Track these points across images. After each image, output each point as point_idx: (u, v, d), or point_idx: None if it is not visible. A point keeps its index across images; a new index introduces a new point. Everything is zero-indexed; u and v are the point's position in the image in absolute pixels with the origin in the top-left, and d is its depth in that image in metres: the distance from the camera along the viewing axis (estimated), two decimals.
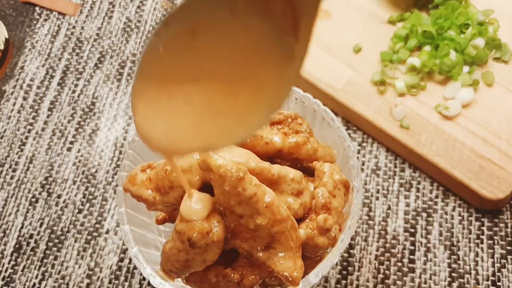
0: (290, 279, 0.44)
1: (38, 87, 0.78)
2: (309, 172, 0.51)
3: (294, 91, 0.53)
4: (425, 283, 0.64)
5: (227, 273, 0.47)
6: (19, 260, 0.67)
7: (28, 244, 0.68)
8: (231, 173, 0.41)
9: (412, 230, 0.67)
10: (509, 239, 0.66)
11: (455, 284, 0.64)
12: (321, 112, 0.53)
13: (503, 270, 0.64)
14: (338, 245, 0.47)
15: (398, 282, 0.64)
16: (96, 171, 0.72)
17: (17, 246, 0.68)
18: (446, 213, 0.67)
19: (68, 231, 0.68)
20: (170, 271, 0.48)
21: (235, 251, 0.47)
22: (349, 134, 0.72)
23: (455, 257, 0.65)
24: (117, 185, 0.52)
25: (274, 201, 0.43)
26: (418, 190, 0.69)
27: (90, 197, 0.70)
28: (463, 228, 0.67)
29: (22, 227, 0.69)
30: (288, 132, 0.50)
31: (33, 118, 0.76)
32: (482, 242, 0.66)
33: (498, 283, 0.64)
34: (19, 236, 0.68)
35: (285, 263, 0.44)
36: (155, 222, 0.55)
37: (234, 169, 0.41)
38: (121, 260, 0.67)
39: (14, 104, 0.77)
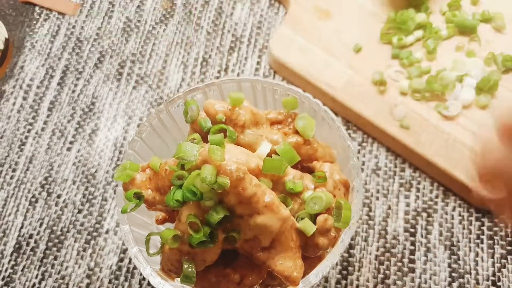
0: (290, 279, 0.44)
1: (37, 87, 0.78)
2: (309, 172, 0.51)
3: (294, 91, 0.53)
4: (425, 283, 0.64)
5: (227, 273, 0.47)
6: (19, 260, 0.67)
7: (28, 244, 0.68)
8: (231, 173, 0.41)
9: (412, 230, 0.67)
10: (509, 239, 0.66)
11: (455, 284, 0.64)
12: (321, 112, 0.53)
13: (503, 270, 0.64)
14: (338, 245, 0.47)
15: (398, 282, 0.64)
16: (96, 171, 0.72)
17: (17, 246, 0.68)
18: (446, 213, 0.67)
19: (68, 231, 0.68)
20: (170, 271, 0.48)
21: (235, 251, 0.47)
22: (349, 134, 0.72)
23: (455, 257, 0.65)
24: (117, 185, 0.52)
25: (274, 201, 0.43)
26: (418, 190, 0.69)
27: (90, 197, 0.70)
28: (463, 228, 0.67)
29: (22, 227, 0.69)
30: (288, 132, 0.50)
31: (33, 118, 0.75)
32: (482, 242, 0.66)
33: (498, 283, 0.64)
34: (19, 236, 0.68)
35: (285, 263, 0.44)
36: (155, 222, 0.55)
37: (234, 169, 0.41)
38: (121, 260, 0.67)
39: (13, 104, 0.77)
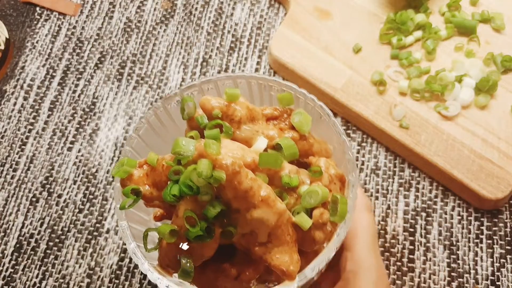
0: (287, 273, 0.44)
1: (38, 87, 0.78)
2: (305, 168, 0.51)
3: (290, 87, 0.53)
4: (424, 282, 0.64)
5: (224, 268, 0.47)
6: (19, 259, 0.67)
7: (28, 243, 0.68)
8: (227, 167, 0.41)
9: (411, 229, 0.67)
10: (508, 238, 0.66)
11: (454, 284, 0.64)
12: (317, 108, 0.53)
13: (502, 269, 0.64)
14: (334, 239, 0.47)
15: (398, 282, 0.64)
16: (96, 171, 0.72)
17: (17, 245, 0.68)
18: (446, 213, 0.67)
19: (68, 231, 0.68)
20: (168, 266, 0.48)
21: (233, 246, 0.47)
22: (348, 134, 0.72)
23: (454, 256, 0.65)
24: (113, 180, 0.52)
25: (270, 195, 0.43)
26: (417, 190, 0.69)
27: (91, 196, 0.70)
28: (463, 228, 0.67)
29: (22, 227, 0.69)
30: (284, 127, 0.50)
31: (34, 118, 0.76)
32: (481, 242, 0.66)
33: (497, 283, 0.64)
34: (19, 235, 0.69)
35: (282, 257, 0.44)
36: (153, 218, 0.55)
37: (230, 162, 0.42)
38: (122, 259, 0.67)
39: (14, 104, 0.77)
